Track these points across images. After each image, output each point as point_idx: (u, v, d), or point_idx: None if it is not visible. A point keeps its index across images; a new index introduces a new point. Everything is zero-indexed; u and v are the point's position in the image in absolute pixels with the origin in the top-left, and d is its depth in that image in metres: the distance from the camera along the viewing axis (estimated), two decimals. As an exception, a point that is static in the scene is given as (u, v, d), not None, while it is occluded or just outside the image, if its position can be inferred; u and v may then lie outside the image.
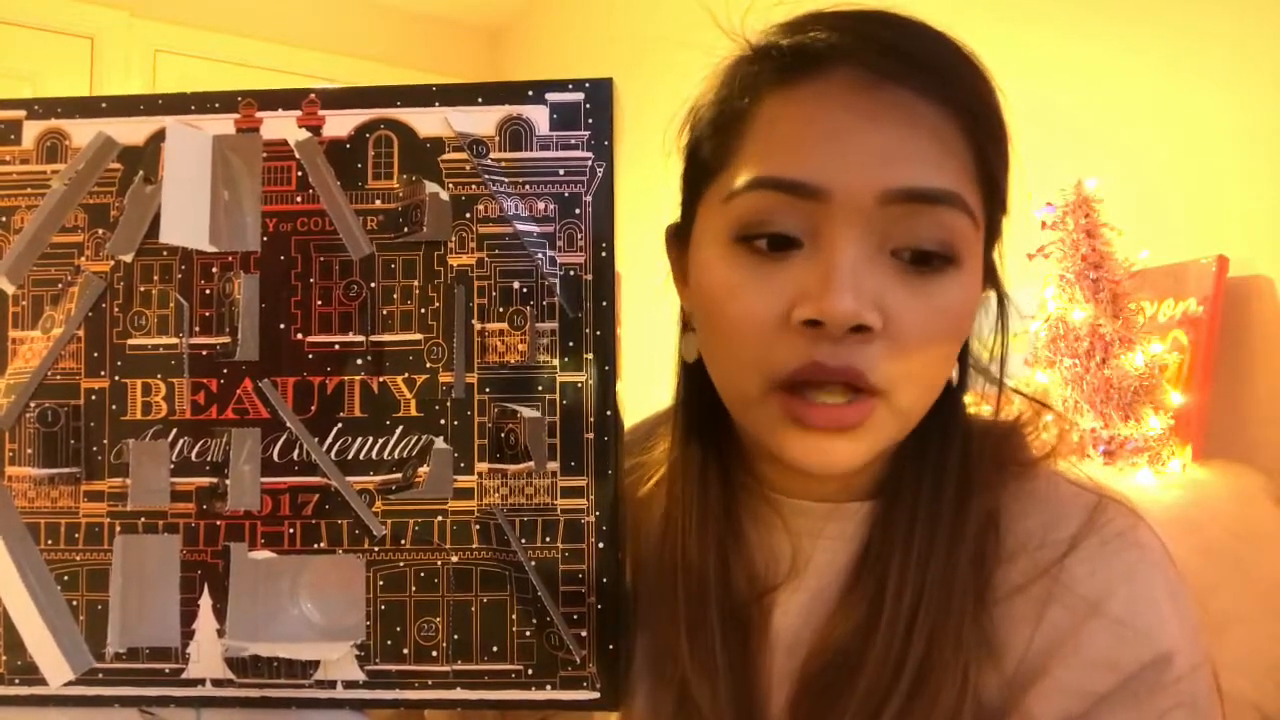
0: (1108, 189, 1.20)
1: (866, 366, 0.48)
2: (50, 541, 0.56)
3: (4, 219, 0.57)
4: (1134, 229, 1.20)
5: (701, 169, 0.55)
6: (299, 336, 0.55)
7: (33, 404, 0.56)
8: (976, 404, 0.58)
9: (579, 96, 0.56)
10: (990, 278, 0.55)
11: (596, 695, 0.54)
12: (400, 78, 2.80)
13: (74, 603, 0.55)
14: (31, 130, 0.57)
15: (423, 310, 0.55)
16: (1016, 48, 1.48)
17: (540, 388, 0.55)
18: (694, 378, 0.59)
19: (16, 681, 0.55)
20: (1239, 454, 1.15)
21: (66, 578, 0.56)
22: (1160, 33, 1.33)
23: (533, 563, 0.54)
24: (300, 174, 0.56)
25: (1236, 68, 1.24)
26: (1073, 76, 1.43)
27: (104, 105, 0.57)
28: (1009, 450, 0.56)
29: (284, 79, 2.67)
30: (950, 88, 0.49)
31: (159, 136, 0.56)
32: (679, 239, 0.58)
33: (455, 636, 0.54)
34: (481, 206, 0.55)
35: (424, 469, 0.55)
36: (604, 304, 0.55)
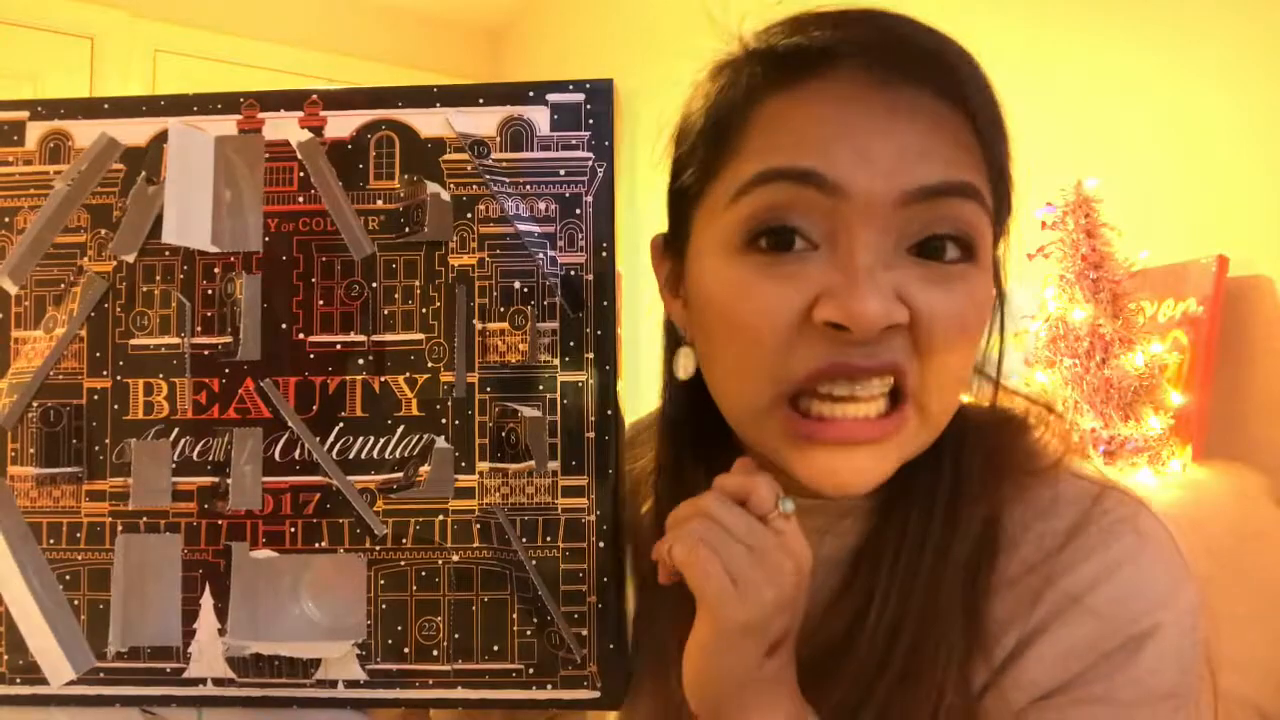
0: (1108, 189, 1.20)
1: (902, 361, 0.47)
2: (52, 541, 0.56)
3: (7, 219, 0.57)
4: (1134, 229, 1.20)
5: (699, 174, 0.53)
6: (300, 336, 0.56)
7: (35, 404, 0.56)
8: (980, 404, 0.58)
9: (579, 97, 0.56)
10: (994, 277, 0.55)
11: (597, 695, 0.54)
12: (401, 78, 2.80)
13: (75, 602, 0.56)
14: (34, 131, 0.58)
15: (424, 310, 0.55)
16: (1017, 47, 1.48)
17: (541, 387, 0.55)
18: (687, 396, 0.57)
19: (18, 681, 0.56)
20: (1239, 454, 1.15)
21: (68, 577, 0.56)
22: (1160, 32, 1.33)
23: (533, 562, 0.54)
24: (302, 174, 0.56)
25: (1236, 67, 1.24)
26: (1073, 76, 1.43)
27: (106, 106, 0.58)
28: (1016, 457, 0.56)
29: (285, 79, 2.66)
30: (957, 85, 0.48)
31: (161, 137, 0.57)
32: (669, 250, 0.57)
33: (456, 636, 0.54)
34: (482, 207, 0.55)
35: (425, 468, 0.55)
36: (604, 304, 0.55)
